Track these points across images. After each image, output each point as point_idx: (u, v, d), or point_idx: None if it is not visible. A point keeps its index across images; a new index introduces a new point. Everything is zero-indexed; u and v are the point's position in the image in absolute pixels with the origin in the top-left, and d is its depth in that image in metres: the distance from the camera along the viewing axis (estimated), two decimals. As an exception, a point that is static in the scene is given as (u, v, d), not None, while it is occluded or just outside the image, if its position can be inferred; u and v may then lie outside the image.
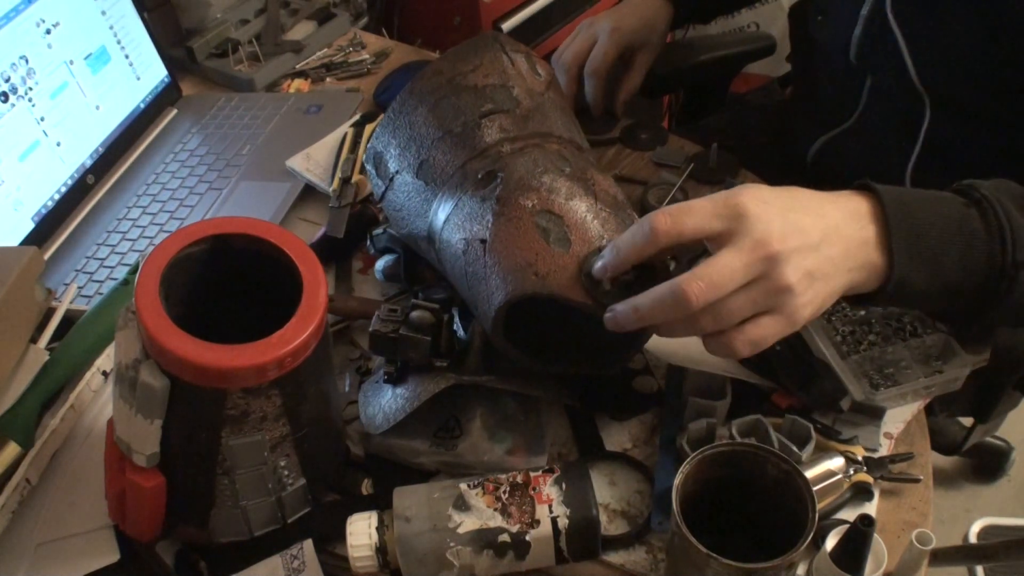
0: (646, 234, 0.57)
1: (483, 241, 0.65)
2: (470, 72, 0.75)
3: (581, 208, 0.65)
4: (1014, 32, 0.76)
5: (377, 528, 0.63)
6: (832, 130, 1.01)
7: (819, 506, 0.56)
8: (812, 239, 0.56)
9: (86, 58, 1.06)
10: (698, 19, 1.15)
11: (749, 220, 0.55)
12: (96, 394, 0.77)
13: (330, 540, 0.68)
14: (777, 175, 1.00)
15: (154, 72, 1.17)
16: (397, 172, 0.76)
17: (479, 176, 0.69)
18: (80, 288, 0.92)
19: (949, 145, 0.88)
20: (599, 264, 0.61)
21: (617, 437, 0.75)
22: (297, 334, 0.59)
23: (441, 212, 0.71)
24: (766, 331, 0.57)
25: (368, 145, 0.81)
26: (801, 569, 0.64)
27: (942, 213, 0.59)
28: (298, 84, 1.21)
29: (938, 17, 0.81)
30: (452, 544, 0.61)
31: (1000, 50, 0.78)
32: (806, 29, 1.04)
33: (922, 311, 0.74)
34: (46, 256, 0.96)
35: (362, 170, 0.97)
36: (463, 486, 0.64)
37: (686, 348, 0.70)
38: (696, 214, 0.56)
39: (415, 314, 0.69)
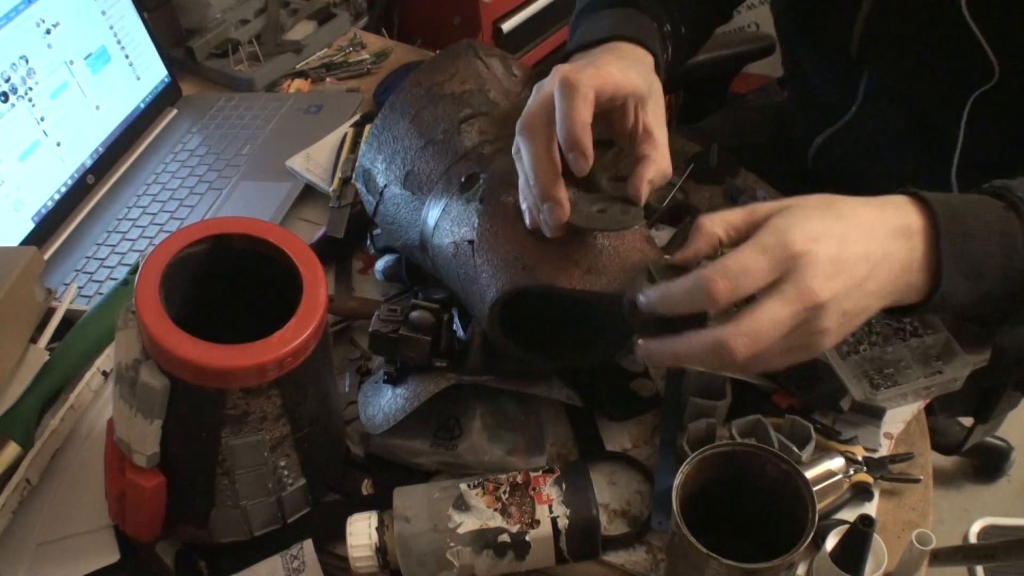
0: (704, 297, 0.53)
1: (471, 242, 0.66)
2: (447, 81, 0.76)
3: None
4: None
5: (377, 528, 0.63)
6: (830, 127, 1.00)
7: (819, 506, 0.56)
8: (858, 276, 0.54)
9: (86, 58, 1.06)
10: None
11: (800, 268, 0.52)
12: (96, 394, 0.77)
13: (330, 540, 0.68)
14: (777, 175, 1.00)
15: (154, 72, 1.17)
16: (386, 186, 0.77)
17: (462, 179, 0.70)
18: (80, 288, 0.92)
19: (991, 143, 0.87)
20: (644, 299, 0.56)
21: (617, 437, 0.75)
22: (297, 334, 0.59)
23: (430, 219, 0.72)
24: (787, 361, 0.55)
25: (356, 164, 0.82)
26: (801, 569, 0.64)
27: (986, 219, 0.58)
28: (298, 84, 1.21)
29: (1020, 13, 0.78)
30: (452, 544, 0.61)
31: None
32: (795, 26, 1.03)
33: (952, 316, 0.73)
34: (46, 256, 0.96)
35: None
36: (463, 486, 0.64)
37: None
38: (755, 275, 0.52)
39: (415, 314, 0.69)
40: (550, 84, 0.61)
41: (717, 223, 0.56)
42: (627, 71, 0.63)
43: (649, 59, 0.74)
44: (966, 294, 0.58)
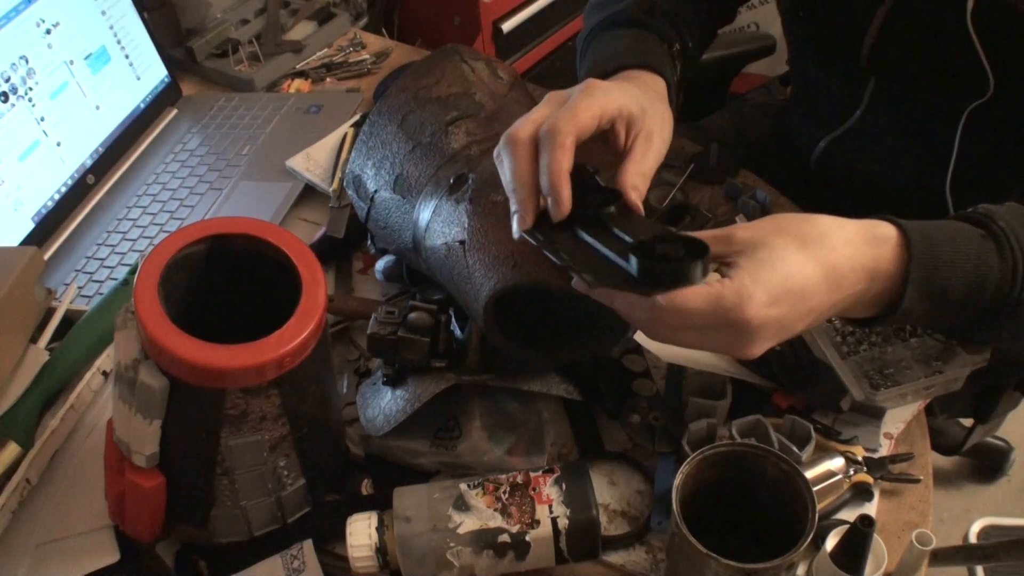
0: (646, 328, 0.55)
1: (462, 242, 0.66)
2: (433, 85, 0.77)
3: None
4: None
5: (377, 528, 0.63)
6: (834, 131, 1.00)
7: (819, 506, 0.56)
8: (801, 326, 0.56)
9: (86, 58, 1.06)
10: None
11: (746, 333, 0.53)
12: (96, 394, 0.77)
13: (330, 540, 0.68)
14: (778, 175, 1.00)
15: (154, 72, 1.17)
16: (376, 191, 0.78)
17: (451, 181, 0.70)
18: (80, 288, 0.92)
19: (984, 157, 0.88)
20: (586, 289, 0.57)
21: (617, 437, 0.75)
22: (296, 334, 0.59)
23: (421, 221, 0.72)
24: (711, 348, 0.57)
25: (347, 170, 0.82)
26: (801, 569, 0.64)
27: (963, 249, 0.58)
28: (298, 84, 1.21)
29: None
30: (452, 544, 0.61)
31: None
32: (806, 30, 1.03)
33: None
34: (46, 256, 0.96)
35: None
36: (463, 486, 0.64)
37: (686, 349, 0.70)
38: (699, 320, 0.53)
39: (413, 315, 0.69)
40: (545, 108, 0.62)
41: None
42: (610, 94, 0.63)
43: (659, 83, 0.74)
44: (926, 314, 0.59)
